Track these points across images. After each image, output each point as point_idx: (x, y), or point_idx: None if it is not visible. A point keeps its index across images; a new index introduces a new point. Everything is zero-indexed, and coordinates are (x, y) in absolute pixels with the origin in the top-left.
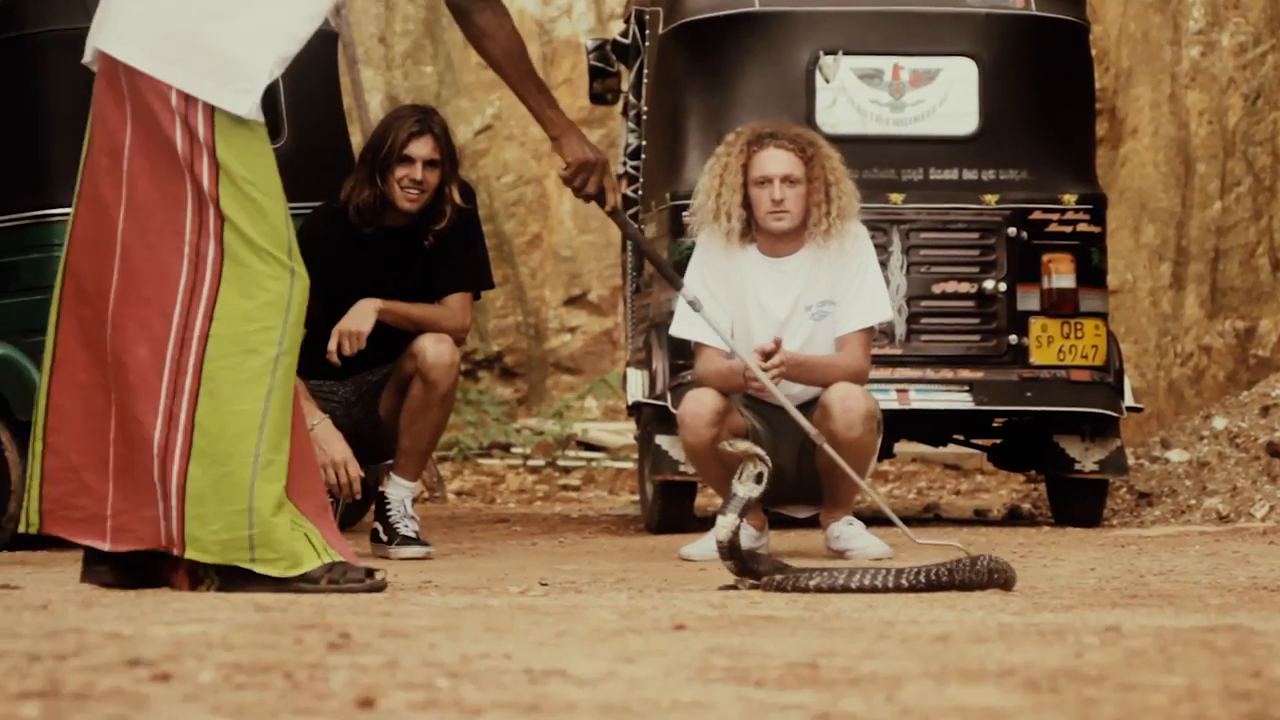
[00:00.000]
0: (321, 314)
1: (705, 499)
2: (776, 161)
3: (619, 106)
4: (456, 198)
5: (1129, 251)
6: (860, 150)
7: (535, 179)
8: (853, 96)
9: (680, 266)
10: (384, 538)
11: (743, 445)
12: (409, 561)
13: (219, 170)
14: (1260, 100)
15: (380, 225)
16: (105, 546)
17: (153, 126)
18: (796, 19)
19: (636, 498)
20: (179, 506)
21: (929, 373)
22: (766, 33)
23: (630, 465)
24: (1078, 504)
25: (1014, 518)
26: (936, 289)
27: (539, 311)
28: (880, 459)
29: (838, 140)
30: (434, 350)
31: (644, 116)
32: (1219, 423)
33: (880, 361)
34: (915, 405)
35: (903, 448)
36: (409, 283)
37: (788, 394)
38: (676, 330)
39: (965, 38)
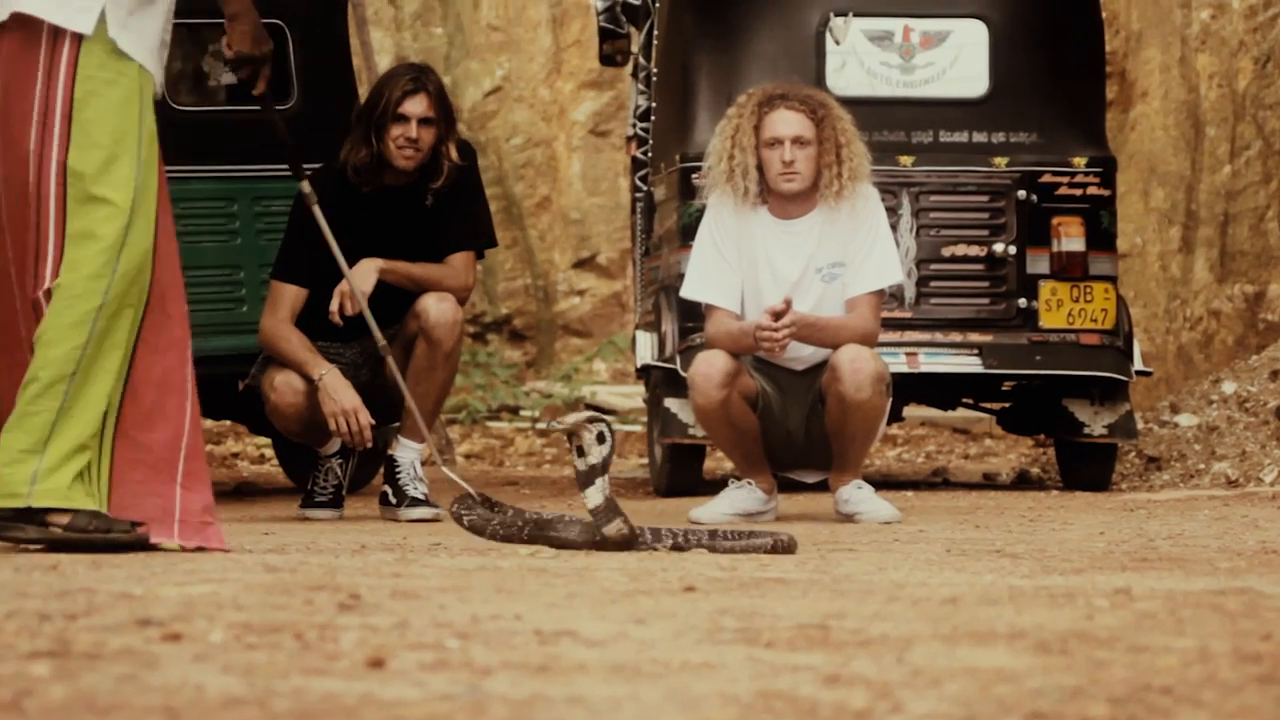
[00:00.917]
0: (323, 275)
1: (714, 462)
2: (787, 123)
3: (629, 68)
4: (454, 155)
5: (1138, 215)
6: (870, 112)
7: (545, 141)
8: (863, 58)
9: (690, 229)
10: (393, 500)
11: (571, 418)
12: (418, 523)
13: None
14: (1270, 64)
15: (379, 185)
16: None
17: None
18: None
19: (645, 461)
20: None
21: (938, 336)
22: None
23: (639, 428)
24: (1086, 468)
25: (1023, 482)
26: (946, 252)
27: (548, 274)
28: (889, 422)
29: (847, 102)
30: (436, 309)
31: (654, 78)
32: (1228, 387)
33: (889, 324)
34: (924, 368)
35: (911, 411)
36: (411, 242)
37: (797, 356)
38: (687, 292)
39: None
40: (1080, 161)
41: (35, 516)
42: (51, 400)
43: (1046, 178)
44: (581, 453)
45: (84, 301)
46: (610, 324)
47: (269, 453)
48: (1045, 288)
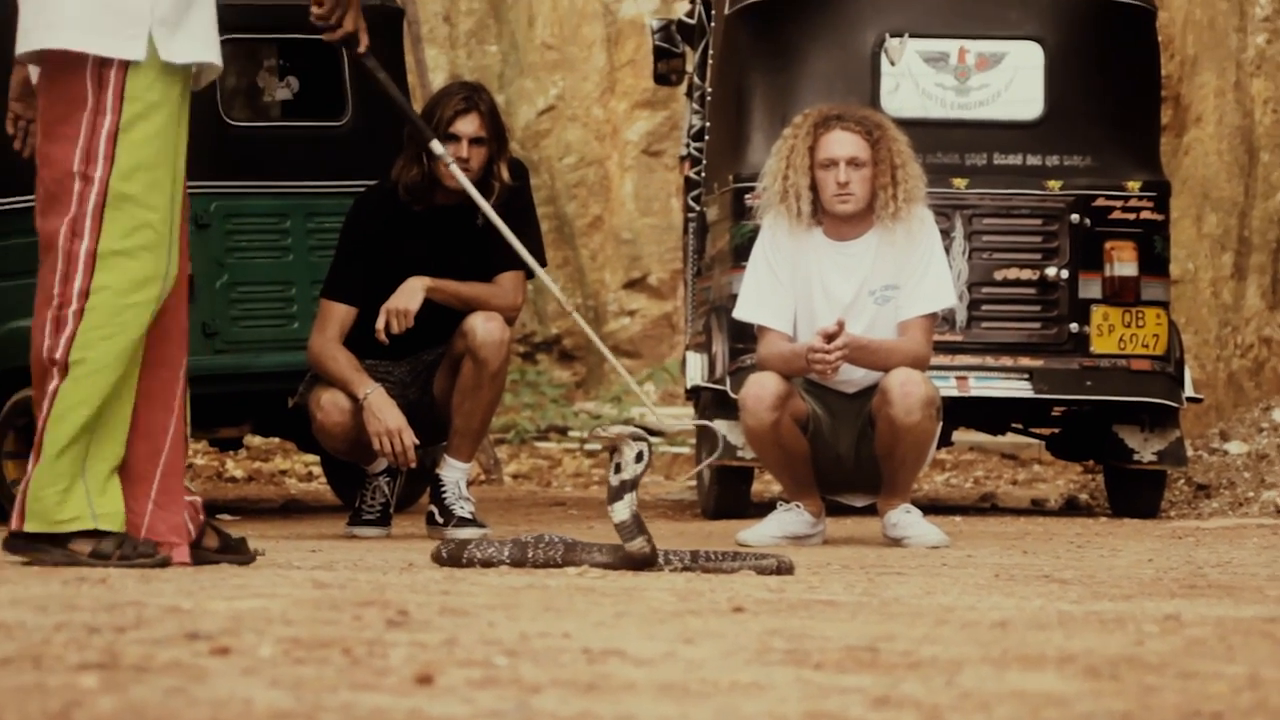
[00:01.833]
0: (373, 293)
1: (762, 485)
2: (842, 144)
3: (683, 88)
4: (505, 175)
5: (1191, 241)
6: (924, 134)
7: (597, 160)
8: (918, 79)
9: (743, 249)
10: (439, 520)
11: (615, 429)
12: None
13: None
14: None
15: (431, 204)
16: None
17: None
18: (862, 0)
19: (694, 483)
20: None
21: (989, 360)
22: (832, 14)
23: (687, 450)
24: (1136, 495)
25: (1071, 508)
26: (998, 275)
27: (598, 294)
28: (939, 446)
29: (902, 124)
30: (483, 328)
31: (708, 98)
32: (1278, 415)
33: (940, 348)
34: (975, 392)
35: (960, 436)
36: (461, 262)
37: (848, 379)
38: (740, 313)
39: (1032, 21)
40: (1134, 186)
41: (61, 540)
42: (83, 432)
43: (1100, 201)
44: (619, 468)
45: (124, 331)
46: (660, 345)
47: (317, 470)
48: (1097, 312)
